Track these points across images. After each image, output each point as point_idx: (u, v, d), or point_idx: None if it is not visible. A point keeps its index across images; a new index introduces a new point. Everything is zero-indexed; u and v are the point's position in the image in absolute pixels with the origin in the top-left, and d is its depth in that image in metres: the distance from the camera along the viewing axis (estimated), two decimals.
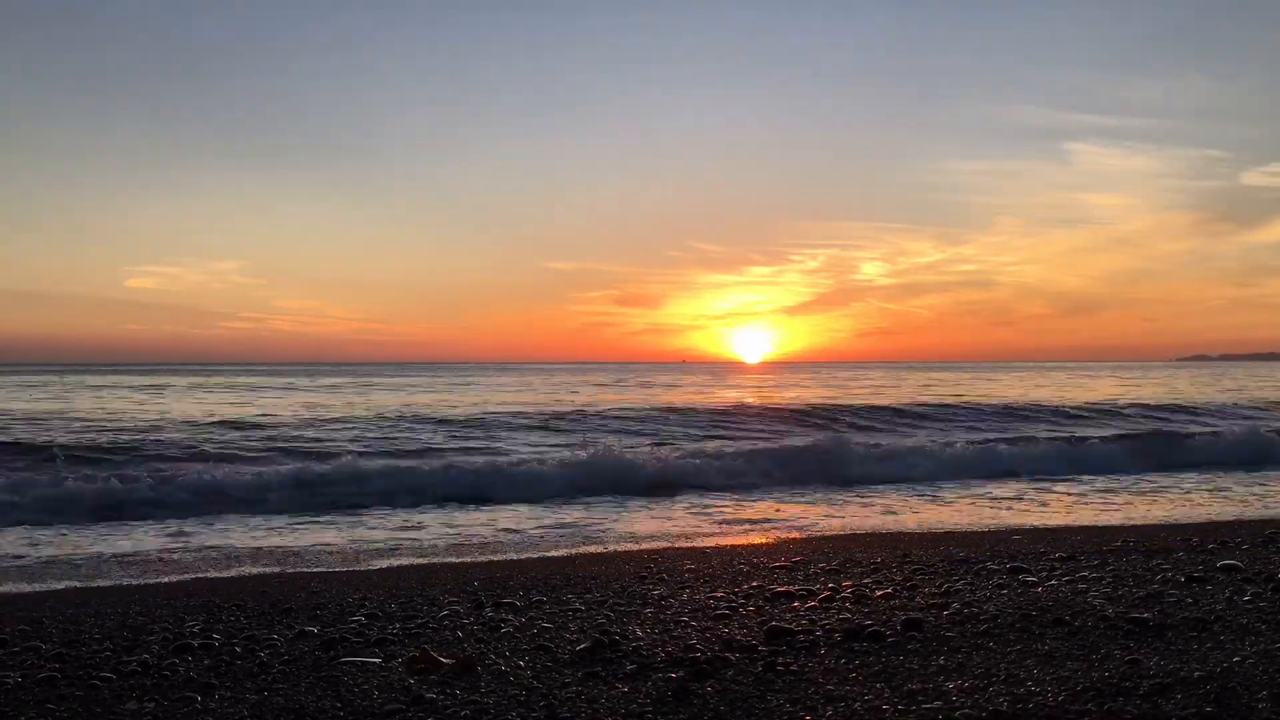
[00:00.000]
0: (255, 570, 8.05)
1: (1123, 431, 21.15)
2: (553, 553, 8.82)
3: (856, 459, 15.49)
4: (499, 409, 27.16)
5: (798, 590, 5.58)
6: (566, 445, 17.98)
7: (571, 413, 25.37)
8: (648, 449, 17.25)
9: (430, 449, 17.95)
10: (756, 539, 9.42)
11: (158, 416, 24.65)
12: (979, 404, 29.10)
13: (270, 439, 19.05)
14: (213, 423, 22.01)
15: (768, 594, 5.52)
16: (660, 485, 13.35)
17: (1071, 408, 28.18)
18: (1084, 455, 16.59)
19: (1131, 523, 10.02)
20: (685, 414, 25.05)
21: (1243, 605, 4.71)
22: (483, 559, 8.45)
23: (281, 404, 31.41)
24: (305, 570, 7.99)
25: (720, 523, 10.63)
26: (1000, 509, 11.55)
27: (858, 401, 30.06)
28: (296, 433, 20.27)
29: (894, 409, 26.81)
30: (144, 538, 9.66)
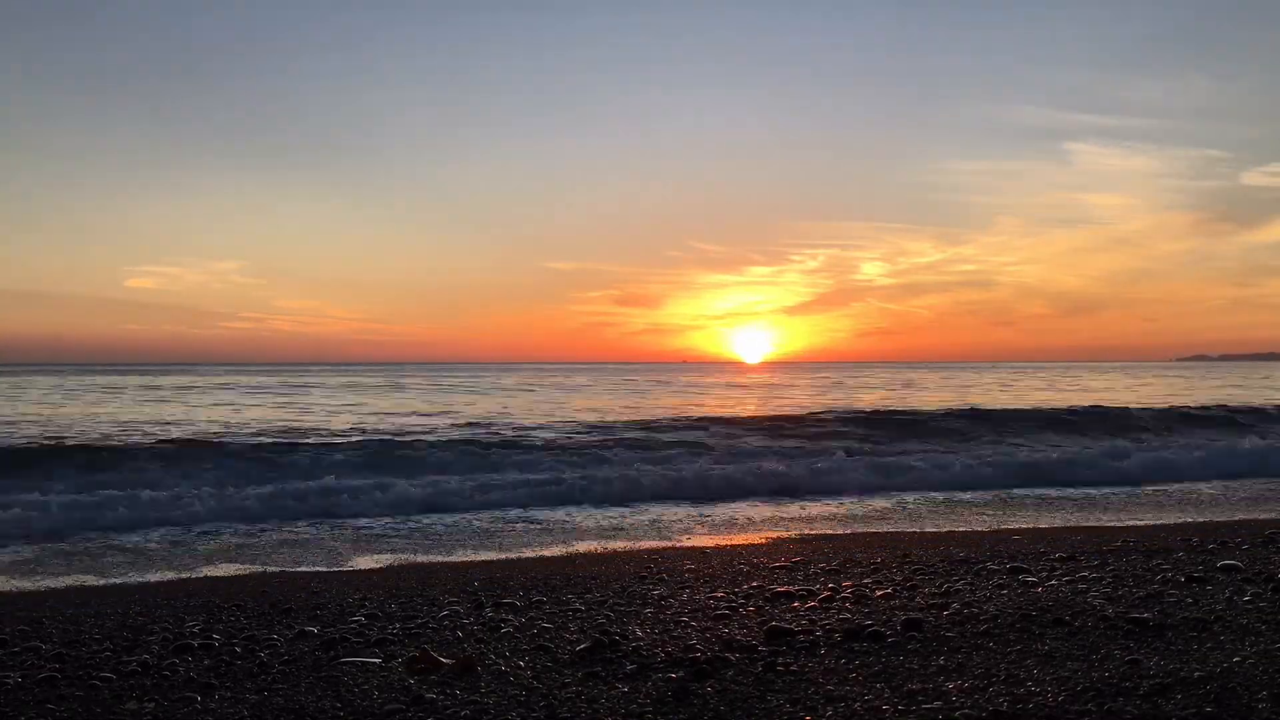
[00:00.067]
0: (258, 569, 8.06)
1: None
2: (551, 552, 8.82)
3: None
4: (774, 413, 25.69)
5: (798, 590, 5.58)
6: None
7: (862, 414, 23.85)
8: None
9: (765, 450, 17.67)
10: (756, 539, 9.42)
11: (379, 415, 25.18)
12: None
13: (640, 440, 18.71)
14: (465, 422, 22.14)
15: (768, 594, 5.52)
16: None
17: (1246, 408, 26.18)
18: None
19: (1131, 523, 10.02)
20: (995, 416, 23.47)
21: (1243, 605, 4.71)
22: (483, 559, 8.45)
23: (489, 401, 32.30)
24: (306, 570, 7.99)
25: None
26: None
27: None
28: (641, 434, 19.95)
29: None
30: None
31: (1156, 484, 14.19)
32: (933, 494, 13.32)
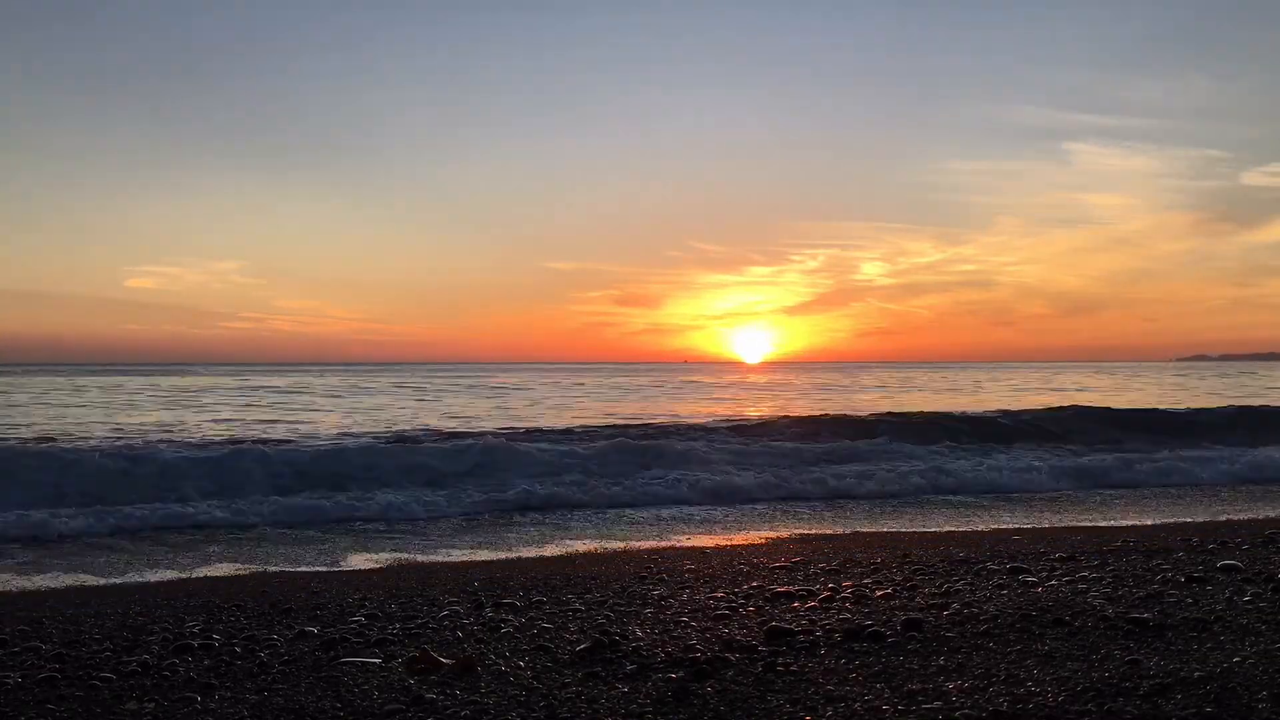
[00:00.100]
0: (258, 569, 8.06)
1: None
2: (551, 552, 8.82)
3: None
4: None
5: (798, 590, 5.58)
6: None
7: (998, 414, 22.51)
8: None
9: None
10: (756, 539, 9.42)
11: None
12: None
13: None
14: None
15: (768, 594, 5.52)
16: None
17: None
18: None
19: (1131, 523, 10.01)
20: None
21: (1243, 605, 4.71)
22: (483, 559, 8.45)
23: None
24: (306, 570, 8.00)
25: None
26: None
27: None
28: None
29: None
30: None
31: None
32: None
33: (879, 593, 5.45)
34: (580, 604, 5.53)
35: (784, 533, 9.94)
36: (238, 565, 8.37)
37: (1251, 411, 23.38)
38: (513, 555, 8.72)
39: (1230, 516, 10.31)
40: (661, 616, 5.04)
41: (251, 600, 6.07)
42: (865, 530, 9.94)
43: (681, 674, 3.81)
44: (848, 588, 5.63)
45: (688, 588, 5.95)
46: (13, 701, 3.80)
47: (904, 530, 9.87)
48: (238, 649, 4.60)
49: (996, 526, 10.06)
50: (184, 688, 3.93)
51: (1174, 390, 42.71)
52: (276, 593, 6.39)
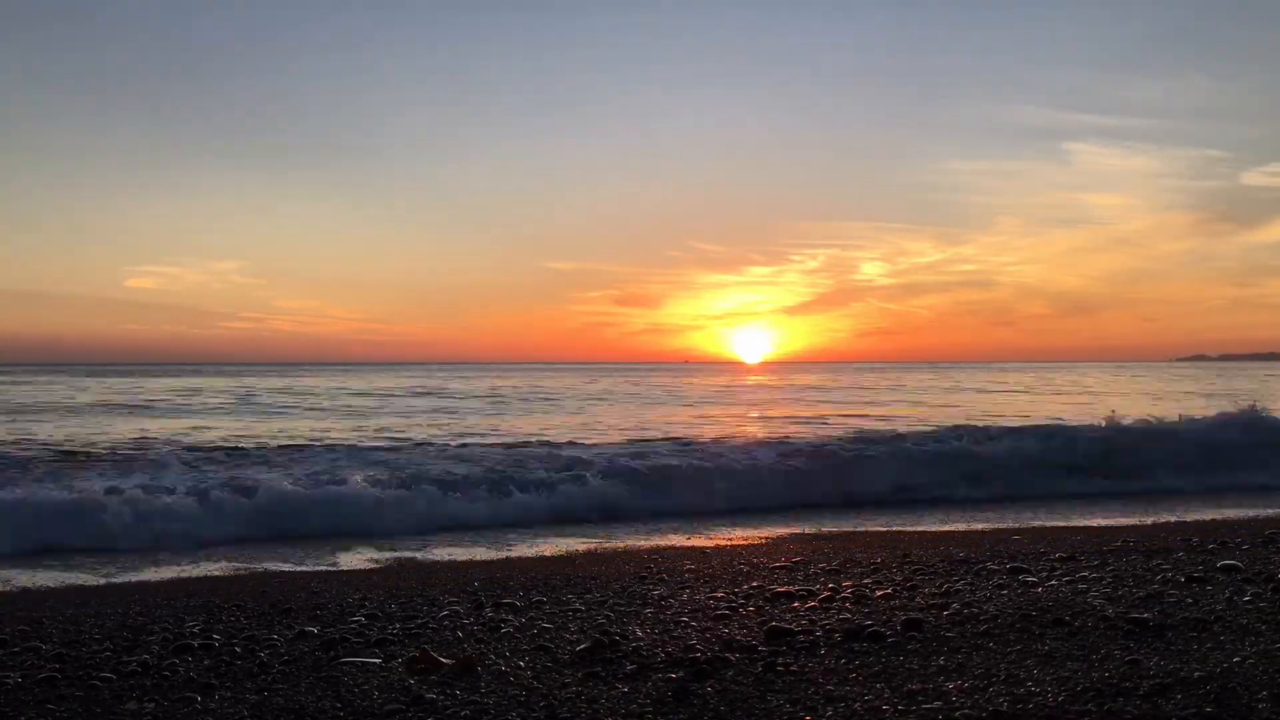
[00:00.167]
0: (258, 569, 8.06)
1: None
2: (551, 552, 8.82)
3: None
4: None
5: (798, 590, 5.58)
6: None
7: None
8: None
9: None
10: (756, 539, 9.42)
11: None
12: None
13: None
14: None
15: (768, 594, 5.52)
16: None
17: None
18: None
19: (1131, 523, 10.02)
20: None
21: (1243, 605, 4.71)
22: (483, 559, 8.45)
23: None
24: (306, 570, 8.00)
25: None
26: None
27: None
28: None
29: None
30: None
31: None
32: None
33: (879, 593, 5.45)
34: (580, 604, 5.53)
35: (784, 532, 9.93)
36: (238, 565, 8.37)
37: None
38: (513, 555, 8.73)
39: (1230, 516, 10.31)
40: (661, 616, 5.04)
41: (251, 600, 6.07)
42: (865, 530, 9.94)
43: (681, 674, 3.81)
44: (848, 588, 5.63)
45: (688, 588, 5.95)
46: (13, 701, 3.80)
47: (904, 530, 9.87)
48: (238, 649, 4.60)
49: (996, 526, 10.06)
50: (184, 688, 3.93)
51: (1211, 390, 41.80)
52: (276, 593, 6.39)
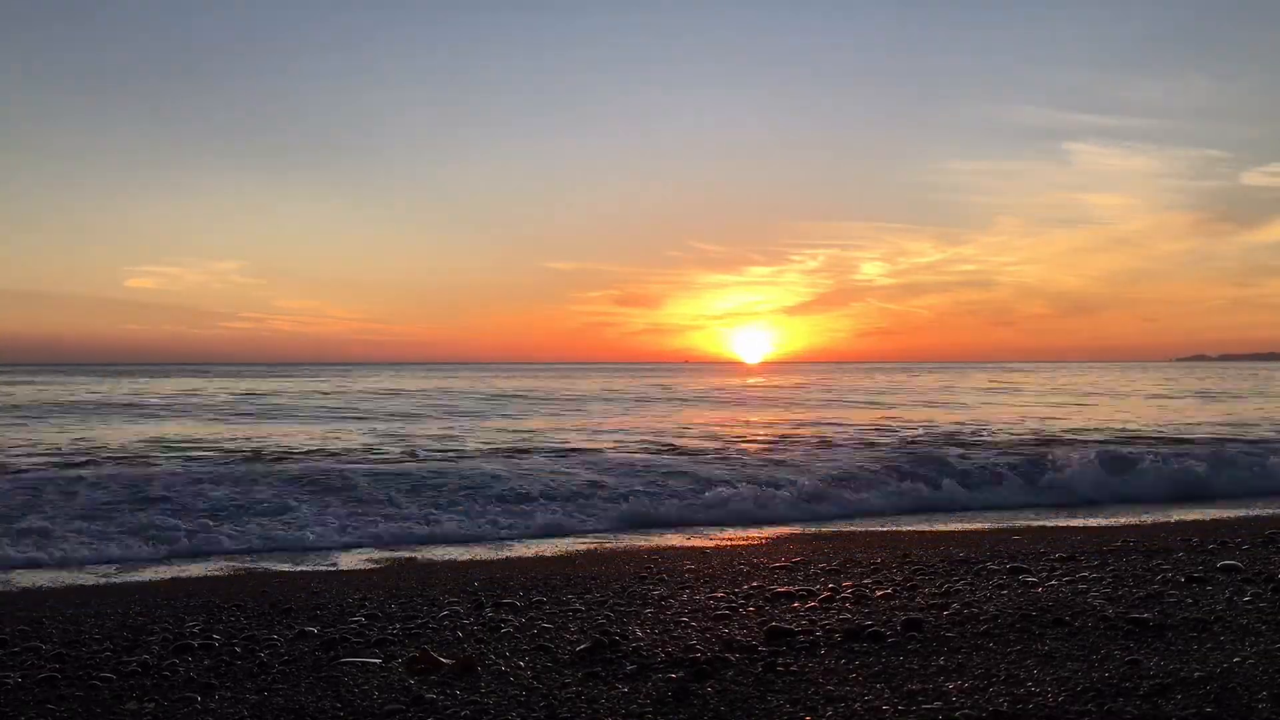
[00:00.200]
0: (259, 569, 8.06)
1: None
2: (551, 552, 8.82)
3: None
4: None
5: (798, 590, 5.58)
6: None
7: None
8: None
9: None
10: (756, 539, 9.42)
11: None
12: None
13: None
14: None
15: (768, 594, 5.52)
16: None
17: None
18: None
19: (1131, 523, 10.01)
20: None
21: (1243, 605, 4.71)
22: (483, 559, 8.45)
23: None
24: (306, 570, 8.00)
25: None
26: None
27: None
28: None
29: None
30: None
31: None
32: None
33: (879, 593, 5.45)
34: (580, 604, 5.53)
35: (784, 532, 9.94)
36: (236, 565, 8.37)
37: None
38: (512, 555, 8.73)
39: (1230, 516, 10.31)
40: (661, 616, 5.04)
41: (251, 600, 6.07)
42: (865, 530, 9.94)
43: (681, 674, 3.81)
44: (848, 588, 5.63)
45: (688, 588, 5.95)
46: (13, 701, 3.80)
47: (904, 530, 9.87)
48: (238, 649, 4.60)
49: (996, 526, 10.06)
50: (184, 688, 3.93)
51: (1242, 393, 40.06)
52: (276, 593, 6.39)
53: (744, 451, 16.84)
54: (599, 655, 4.15)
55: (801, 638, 4.33)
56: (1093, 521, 10.30)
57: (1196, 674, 3.49)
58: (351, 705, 3.58)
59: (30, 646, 4.77)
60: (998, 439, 18.94)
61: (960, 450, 16.22)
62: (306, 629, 5.00)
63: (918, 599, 5.23)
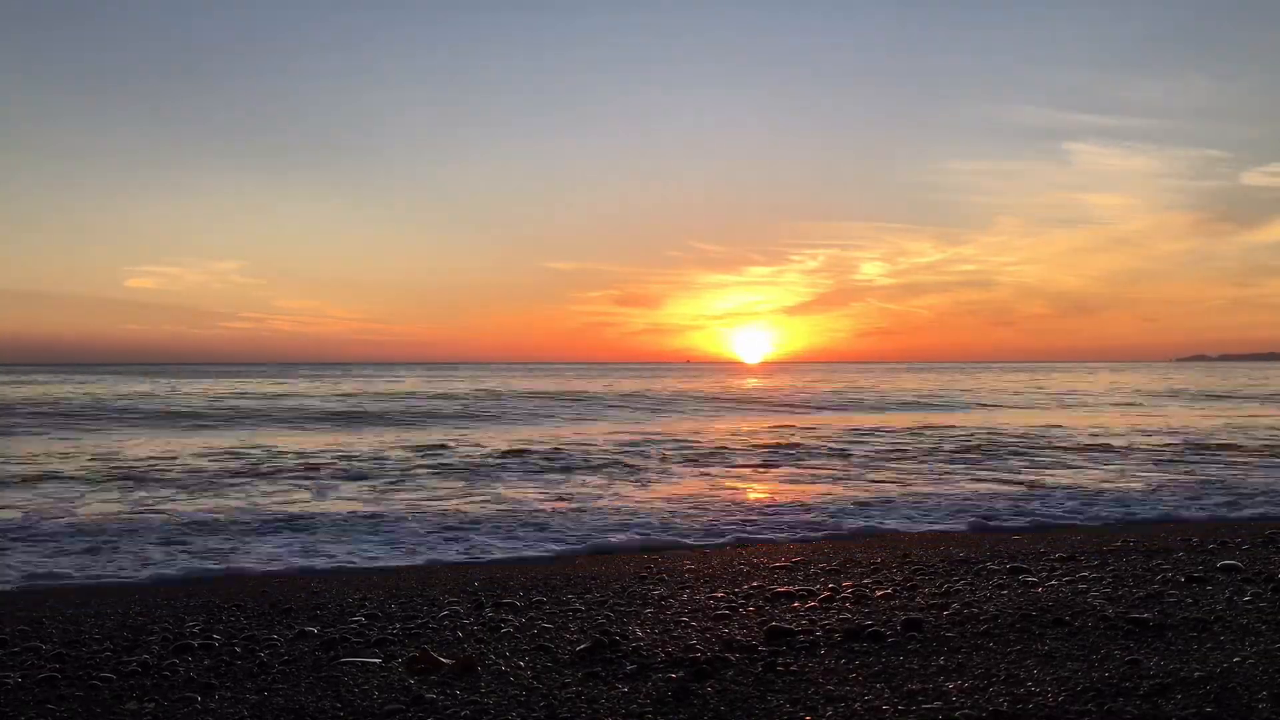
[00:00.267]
0: (259, 569, 8.05)
1: None
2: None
3: None
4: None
5: (798, 590, 5.58)
6: None
7: None
8: None
9: None
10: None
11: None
12: None
13: None
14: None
15: (768, 594, 5.52)
16: None
17: None
18: None
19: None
20: None
21: (1243, 605, 4.71)
22: (484, 559, 8.44)
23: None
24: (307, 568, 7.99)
25: None
26: None
27: None
28: None
29: None
30: None
31: None
32: None
33: (879, 593, 5.45)
34: (580, 604, 5.53)
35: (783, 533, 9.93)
36: (237, 565, 8.35)
37: None
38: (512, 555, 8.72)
39: (1230, 516, 10.31)
40: (661, 616, 5.04)
41: (251, 600, 6.07)
42: (865, 530, 9.93)
43: (681, 674, 3.81)
44: (848, 588, 5.63)
45: (688, 588, 5.95)
46: (13, 701, 3.80)
47: (903, 530, 9.86)
48: (238, 649, 4.60)
49: (996, 527, 10.05)
50: (184, 688, 3.93)
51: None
52: (276, 593, 6.39)
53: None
54: (599, 655, 4.15)
55: (801, 638, 4.33)
56: (1092, 521, 10.29)
57: (1196, 674, 3.49)
58: (351, 705, 3.58)
59: (30, 646, 4.77)
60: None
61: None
62: (306, 629, 5.00)
63: (918, 599, 5.23)
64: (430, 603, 5.76)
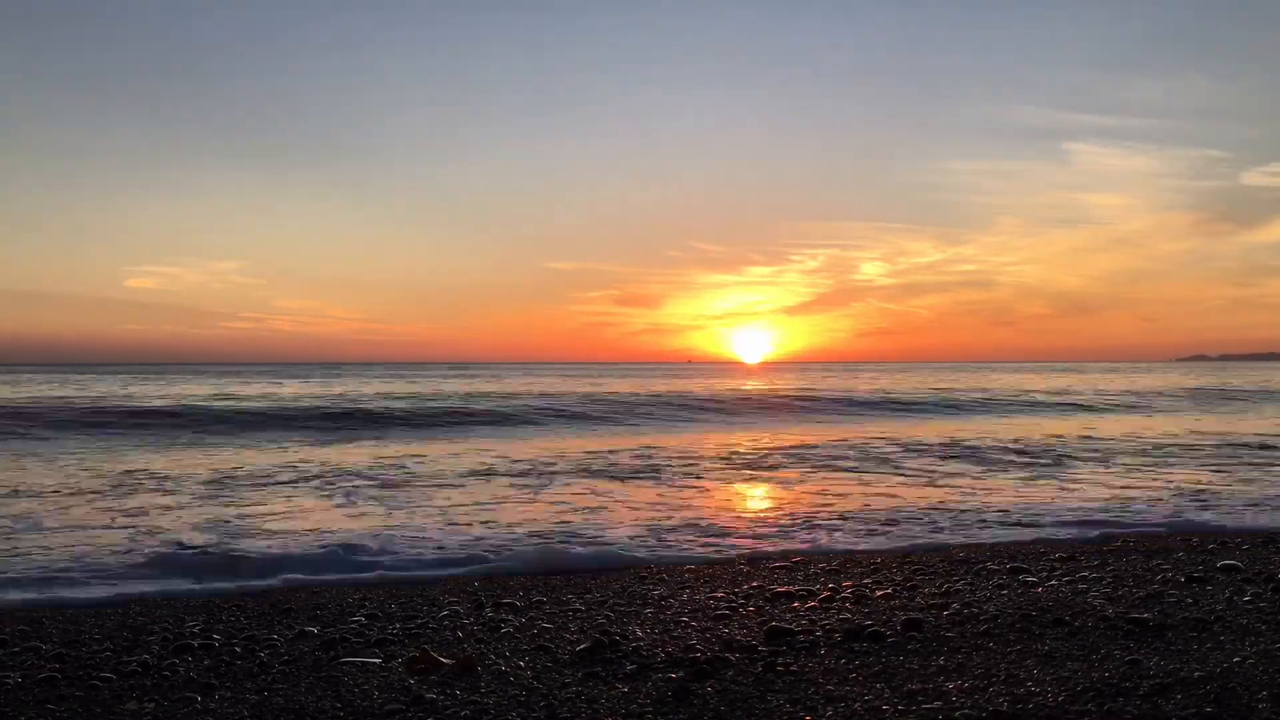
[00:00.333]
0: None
1: None
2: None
3: None
4: None
5: (798, 590, 5.58)
6: None
7: None
8: None
9: None
10: None
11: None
12: None
13: None
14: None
15: (768, 594, 5.52)
16: None
17: None
18: None
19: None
20: None
21: (1243, 605, 4.71)
22: None
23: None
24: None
25: None
26: None
27: None
28: None
29: None
30: None
31: None
32: None
33: (879, 593, 5.45)
34: (580, 604, 5.53)
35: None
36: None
37: None
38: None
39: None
40: (661, 616, 5.04)
41: (251, 600, 6.07)
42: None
43: (681, 674, 3.81)
44: (848, 588, 5.63)
45: (688, 587, 5.95)
46: (13, 701, 3.80)
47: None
48: (238, 649, 4.60)
49: None
50: (184, 688, 3.93)
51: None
52: (276, 593, 6.39)
53: None
54: (599, 655, 4.16)
55: (801, 638, 4.33)
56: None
57: (1196, 674, 3.49)
58: (351, 705, 3.58)
59: (30, 646, 4.77)
60: None
61: None
62: (306, 629, 5.00)
63: (918, 599, 5.23)
64: (430, 603, 5.76)
